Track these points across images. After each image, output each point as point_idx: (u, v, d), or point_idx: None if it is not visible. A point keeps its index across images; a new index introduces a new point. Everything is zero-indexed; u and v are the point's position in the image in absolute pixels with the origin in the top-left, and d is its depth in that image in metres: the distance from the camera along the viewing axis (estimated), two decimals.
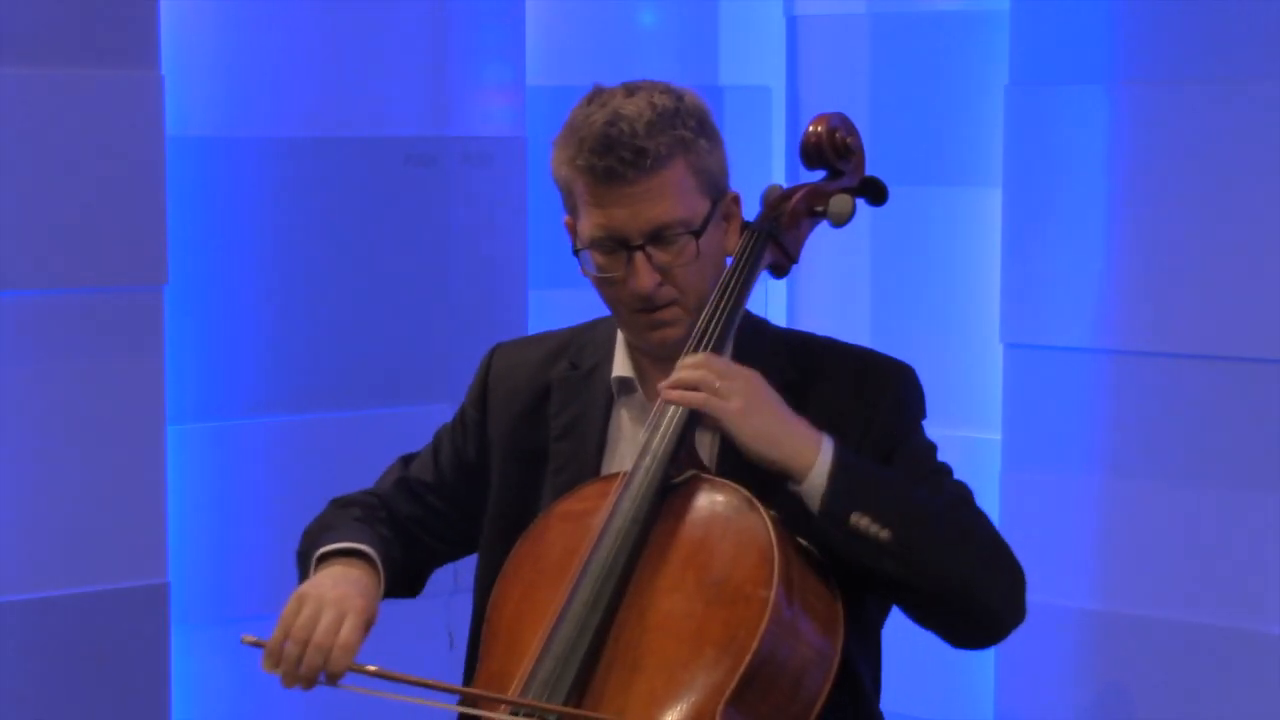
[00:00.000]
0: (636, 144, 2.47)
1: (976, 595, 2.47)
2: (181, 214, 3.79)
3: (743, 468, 2.52)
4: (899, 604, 2.52)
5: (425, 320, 4.10)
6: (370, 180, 4.03)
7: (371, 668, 2.40)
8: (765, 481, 2.50)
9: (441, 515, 2.73)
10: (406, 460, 2.79)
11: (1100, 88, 3.83)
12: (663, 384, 2.49)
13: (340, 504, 2.74)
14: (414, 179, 4.07)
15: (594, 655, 2.40)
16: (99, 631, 3.69)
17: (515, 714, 2.39)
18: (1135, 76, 3.80)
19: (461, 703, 2.48)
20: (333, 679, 2.44)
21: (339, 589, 2.49)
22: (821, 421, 2.49)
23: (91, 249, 3.64)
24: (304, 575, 2.62)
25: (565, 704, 2.38)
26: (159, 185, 3.69)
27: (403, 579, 2.69)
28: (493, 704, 2.41)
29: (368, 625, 2.49)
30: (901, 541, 2.42)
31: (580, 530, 2.48)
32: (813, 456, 2.44)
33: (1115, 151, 3.82)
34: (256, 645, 2.45)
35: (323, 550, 2.58)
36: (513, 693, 2.41)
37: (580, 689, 2.39)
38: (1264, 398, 3.66)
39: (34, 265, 3.58)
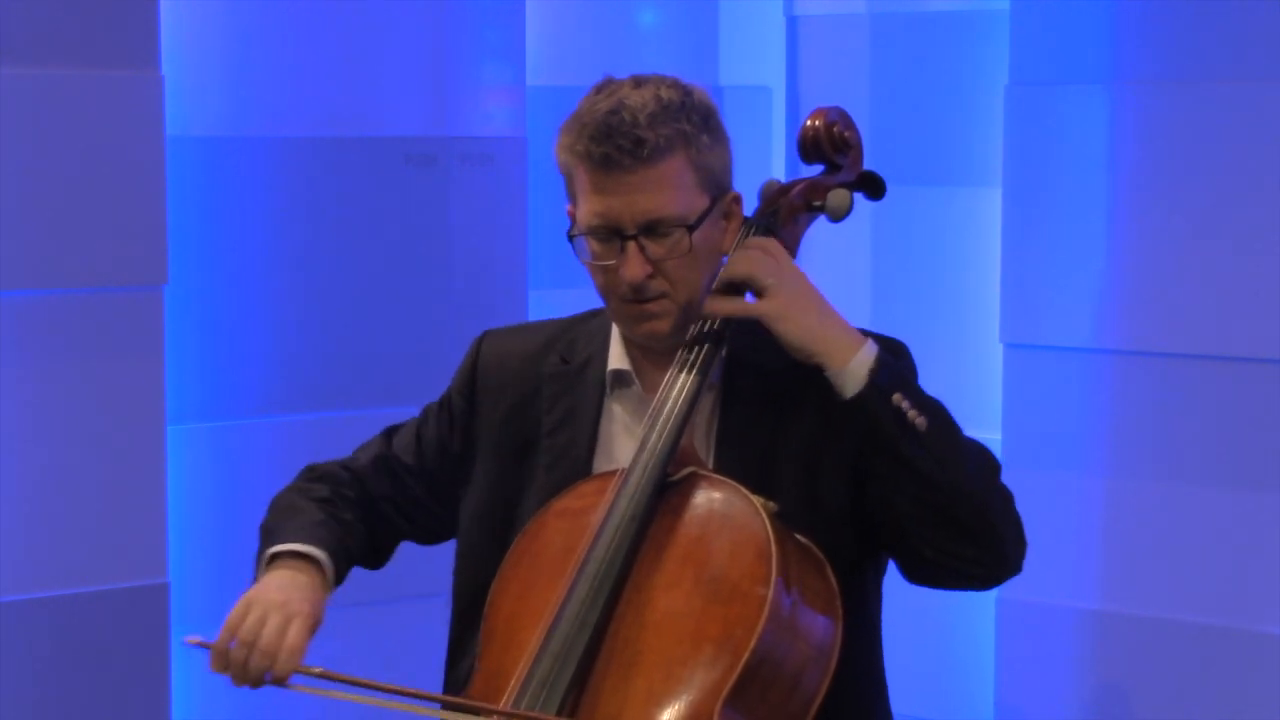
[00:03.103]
0: (636, 133, 2.48)
1: (989, 513, 2.48)
2: (181, 214, 3.79)
3: (742, 457, 2.53)
4: (909, 519, 2.49)
5: (425, 320, 4.10)
6: (370, 180, 4.03)
7: (316, 669, 2.45)
8: (765, 469, 2.51)
9: (417, 501, 2.73)
10: (390, 433, 2.78)
11: (1100, 88, 3.83)
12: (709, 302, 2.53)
13: (311, 477, 2.74)
14: (414, 179, 4.07)
15: (592, 653, 2.41)
16: (99, 631, 3.69)
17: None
18: (1135, 76, 3.80)
19: (445, 707, 2.48)
20: (279, 680, 2.48)
21: (284, 593, 2.52)
22: (824, 402, 2.50)
23: (91, 249, 3.64)
24: (260, 558, 2.63)
25: (563, 702, 2.38)
26: (159, 185, 3.69)
27: (367, 555, 2.72)
28: (430, 707, 2.45)
29: (313, 629, 2.52)
30: (934, 434, 2.47)
31: (578, 528, 2.48)
32: (855, 351, 2.48)
33: (1115, 151, 3.82)
34: (202, 646, 2.51)
35: (273, 550, 2.60)
36: (510, 692, 2.40)
37: (578, 687, 2.40)
38: (1264, 398, 3.66)
39: (34, 265, 3.58)
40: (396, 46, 4.06)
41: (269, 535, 2.65)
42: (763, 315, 2.50)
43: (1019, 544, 2.54)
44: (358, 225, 4.03)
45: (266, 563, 2.60)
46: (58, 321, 3.62)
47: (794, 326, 2.49)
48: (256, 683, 2.49)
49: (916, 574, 2.56)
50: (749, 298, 2.53)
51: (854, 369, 2.47)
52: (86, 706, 3.68)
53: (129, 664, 3.72)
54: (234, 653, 2.49)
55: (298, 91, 3.97)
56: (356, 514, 2.69)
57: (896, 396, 2.46)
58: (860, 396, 2.47)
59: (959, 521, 2.47)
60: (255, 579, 2.61)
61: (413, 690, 2.44)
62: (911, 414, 2.46)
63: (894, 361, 2.51)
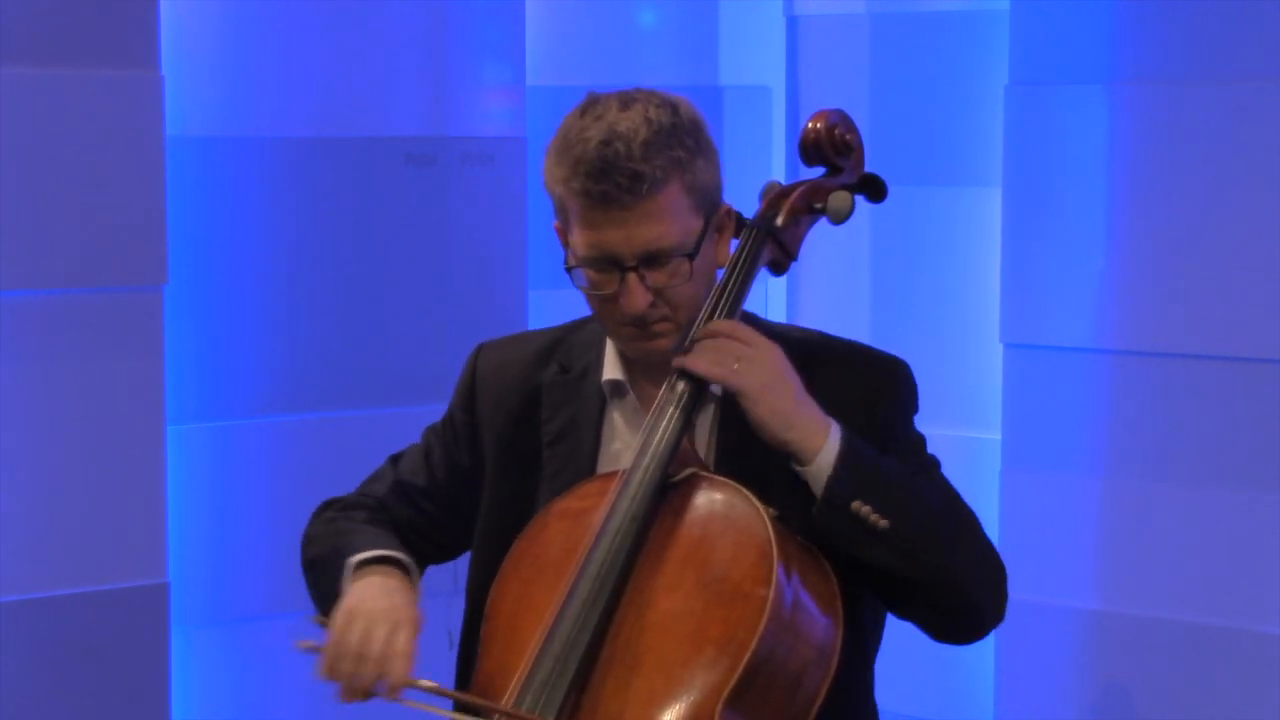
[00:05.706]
0: (632, 168, 2.44)
1: (964, 591, 2.49)
2: (181, 214, 3.79)
3: (741, 465, 2.53)
4: (886, 595, 2.53)
5: (425, 320, 4.10)
6: (370, 180, 4.03)
7: (428, 682, 2.40)
8: (764, 479, 2.50)
9: (436, 521, 2.72)
10: (395, 460, 2.77)
11: (1100, 88, 3.83)
12: (678, 358, 2.49)
13: (340, 507, 2.72)
14: (414, 179, 4.07)
15: (592, 654, 2.41)
16: (99, 631, 3.68)
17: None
18: (1135, 76, 3.80)
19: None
20: (393, 690, 2.42)
21: (388, 600, 2.48)
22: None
23: (91, 249, 3.63)
24: (328, 584, 2.58)
25: (564, 704, 2.38)
26: (159, 185, 3.69)
27: None
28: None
29: (417, 633, 2.47)
30: (899, 532, 2.44)
31: (579, 529, 2.48)
32: (821, 440, 2.45)
33: (1115, 151, 3.81)
34: (312, 651, 2.46)
35: (360, 558, 2.56)
36: (511, 694, 2.40)
37: (579, 689, 2.40)
38: (1264, 398, 3.66)
39: (34, 265, 3.58)
40: (396, 46, 4.05)
41: (333, 554, 2.60)
42: (740, 390, 2.46)
43: (998, 601, 2.53)
44: (357, 225, 4.03)
45: (353, 571, 2.54)
46: (58, 321, 3.62)
47: (764, 407, 2.45)
48: (367, 694, 2.44)
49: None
50: None
51: (816, 470, 2.45)
52: (86, 706, 3.68)
53: (129, 664, 3.71)
54: (344, 666, 2.43)
55: (297, 91, 3.97)
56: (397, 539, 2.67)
57: (855, 504, 2.44)
58: (818, 516, 2.45)
59: (931, 601, 2.49)
60: (330, 600, 2.54)
61: (526, 715, 2.39)
62: (873, 519, 2.43)
63: (857, 450, 2.46)
